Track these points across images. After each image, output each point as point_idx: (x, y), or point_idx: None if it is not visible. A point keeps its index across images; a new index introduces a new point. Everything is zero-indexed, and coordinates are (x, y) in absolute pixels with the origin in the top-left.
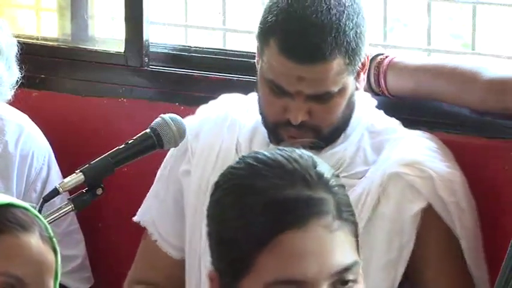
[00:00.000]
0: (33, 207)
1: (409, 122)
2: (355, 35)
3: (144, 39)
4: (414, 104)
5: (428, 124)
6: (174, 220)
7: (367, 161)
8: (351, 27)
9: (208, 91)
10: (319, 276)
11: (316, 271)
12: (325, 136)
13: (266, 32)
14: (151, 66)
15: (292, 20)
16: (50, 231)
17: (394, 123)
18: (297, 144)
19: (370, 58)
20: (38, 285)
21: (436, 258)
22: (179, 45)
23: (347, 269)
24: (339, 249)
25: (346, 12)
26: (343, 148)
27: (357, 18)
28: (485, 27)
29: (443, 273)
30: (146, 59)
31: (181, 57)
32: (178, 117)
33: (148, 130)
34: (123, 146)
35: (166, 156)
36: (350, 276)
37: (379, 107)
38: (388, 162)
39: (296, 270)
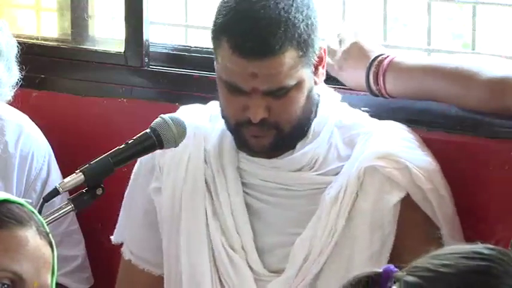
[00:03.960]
0: (29, 203)
1: (409, 122)
2: (306, 27)
3: (144, 39)
4: (414, 104)
5: (428, 124)
6: (148, 235)
7: (341, 156)
8: (301, 20)
9: (208, 91)
10: None
11: None
12: (287, 134)
13: (217, 33)
14: (151, 66)
15: (241, 18)
16: (46, 226)
17: (362, 116)
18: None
19: (371, 59)
20: (35, 280)
21: (417, 248)
22: (179, 45)
23: None
24: None
25: (294, 5)
26: (314, 147)
27: (307, 10)
28: (485, 27)
29: None
30: (146, 59)
31: (181, 57)
32: (178, 117)
33: (148, 130)
34: (123, 146)
35: (132, 175)
36: None
37: (379, 107)
38: (363, 156)
39: None
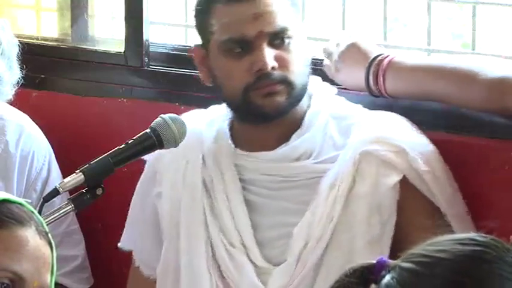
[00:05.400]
0: (28, 203)
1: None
2: None
3: (144, 39)
4: (414, 104)
5: (428, 124)
6: (155, 243)
7: (337, 145)
8: None
9: (208, 91)
10: None
11: None
12: (297, 92)
13: (207, 3)
14: (151, 66)
15: None
16: (45, 226)
17: (357, 107)
18: (274, 99)
19: (370, 59)
20: (35, 280)
21: (418, 230)
22: (179, 45)
23: None
24: None
25: None
26: (309, 137)
27: None
28: (485, 27)
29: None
30: (146, 59)
31: (181, 57)
32: (178, 117)
33: (148, 130)
34: (123, 146)
35: (138, 183)
36: None
37: (378, 107)
38: (358, 141)
39: None
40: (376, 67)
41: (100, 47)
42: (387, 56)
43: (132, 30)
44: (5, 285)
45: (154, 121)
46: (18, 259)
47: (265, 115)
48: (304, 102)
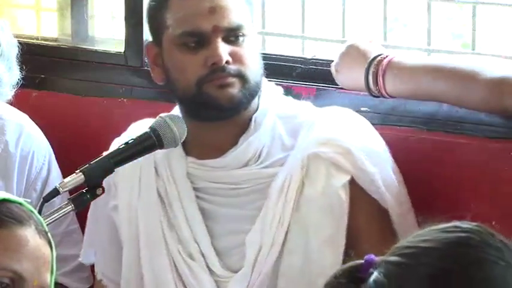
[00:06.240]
0: (28, 202)
1: (409, 122)
2: None
3: (144, 39)
4: (414, 104)
5: (428, 124)
6: (115, 256)
7: (285, 146)
8: None
9: None
10: None
11: None
12: (251, 87)
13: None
14: None
15: None
16: (45, 225)
17: (306, 105)
18: (227, 91)
19: (370, 59)
20: (35, 279)
21: (368, 231)
22: None
23: None
24: None
25: None
26: (257, 137)
27: None
28: (485, 27)
29: (375, 244)
30: (146, 59)
31: None
32: (178, 117)
33: (148, 130)
34: (123, 146)
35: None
36: None
37: (378, 107)
38: (306, 143)
39: None
40: (375, 67)
41: (100, 47)
42: (387, 56)
43: (132, 30)
44: (4, 284)
45: (154, 121)
46: (18, 258)
47: (220, 107)
48: (254, 102)
